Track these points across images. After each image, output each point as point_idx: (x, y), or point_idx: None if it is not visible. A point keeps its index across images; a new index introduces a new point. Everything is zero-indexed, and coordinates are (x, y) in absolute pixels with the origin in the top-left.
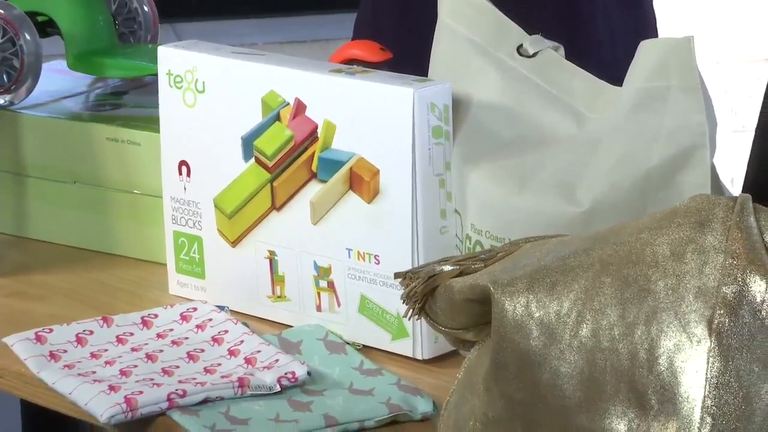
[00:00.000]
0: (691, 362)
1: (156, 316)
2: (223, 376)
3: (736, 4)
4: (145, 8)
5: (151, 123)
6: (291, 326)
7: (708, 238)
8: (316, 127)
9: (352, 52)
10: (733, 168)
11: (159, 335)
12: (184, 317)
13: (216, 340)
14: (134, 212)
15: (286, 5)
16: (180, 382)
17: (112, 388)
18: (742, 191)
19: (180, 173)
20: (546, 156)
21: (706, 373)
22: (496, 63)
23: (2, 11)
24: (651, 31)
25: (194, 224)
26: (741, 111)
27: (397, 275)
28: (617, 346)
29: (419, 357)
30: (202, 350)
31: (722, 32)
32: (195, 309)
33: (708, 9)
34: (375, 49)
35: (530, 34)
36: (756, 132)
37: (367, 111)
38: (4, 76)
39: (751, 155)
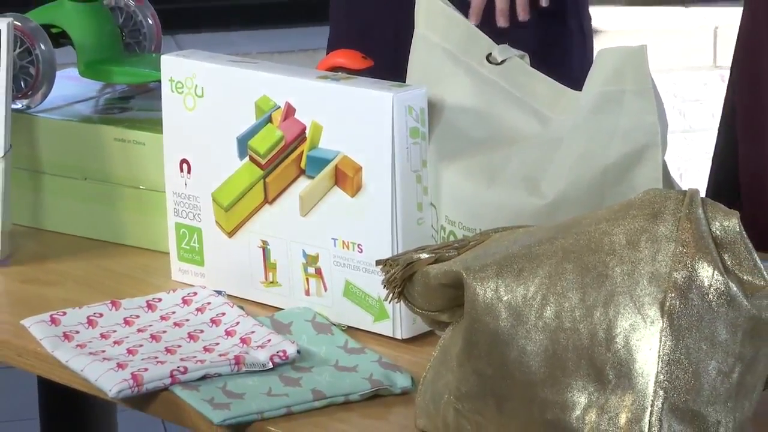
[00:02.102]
0: (646, 341)
1: (160, 300)
2: (220, 355)
3: (684, 17)
4: (149, 21)
5: (155, 125)
6: (282, 309)
7: (660, 228)
8: (305, 128)
9: (337, 60)
10: (682, 164)
11: (163, 317)
12: (185, 301)
13: (214, 321)
14: (139, 206)
15: (276, 18)
16: (182, 360)
17: (120, 365)
18: (707, 187)
19: (181, 170)
20: (513, 154)
21: (659, 351)
22: (467, 69)
23: (19, 24)
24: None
25: (194, 216)
26: (689, 113)
27: (378, 262)
28: (578, 327)
29: (399, 337)
30: (202, 331)
31: (672, 42)
32: (195, 293)
33: (660, 21)
34: (357, 57)
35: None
36: (717, 139)
37: (351, 113)
38: (22, 83)
39: (713, 157)
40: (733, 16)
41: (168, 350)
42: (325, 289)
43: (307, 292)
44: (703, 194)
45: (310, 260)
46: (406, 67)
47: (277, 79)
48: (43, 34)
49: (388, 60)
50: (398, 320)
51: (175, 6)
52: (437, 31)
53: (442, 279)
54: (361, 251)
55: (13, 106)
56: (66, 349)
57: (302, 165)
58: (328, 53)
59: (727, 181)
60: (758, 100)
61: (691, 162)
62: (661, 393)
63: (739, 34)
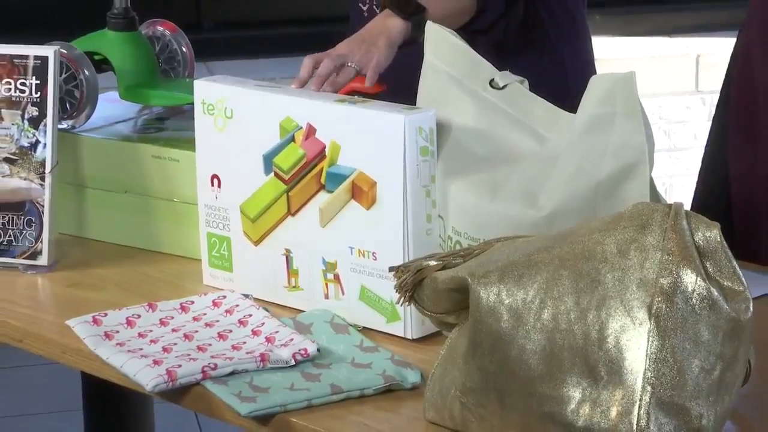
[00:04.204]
0: (634, 341)
1: (192, 302)
2: (247, 352)
3: (669, 47)
4: (183, 49)
5: (189, 143)
6: (303, 311)
7: (648, 239)
8: (324, 147)
9: (354, 85)
10: (667, 180)
11: (195, 318)
12: (215, 303)
13: (242, 322)
14: (174, 217)
15: (299, 47)
16: (212, 357)
17: (156, 362)
18: (692, 201)
19: (212, 185)
20: (513, 170)
21: (647, 350)
22: (471, 94)
23: (66, 52)
24: (592, 66)
25: (224, 227)
26: (673, 134)
27: (391, 269)
28: (573, 328)
29: (409, 337)
30: (231, 331)
31: (658, 69)
32: (225, 297)
33: (647, 50)
34: None
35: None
36: (703, 157)
37: (367, 134)
38: (67, 105)
39: (699, 174)
40: (714, 45)
41: (200, 348)
42: (343, 293)
43: (327, 296)
44: (687, 208)
45: (329, 267)
46: (416, 92)
47: (300, 102)
48: (87, 61)
49: (390, 83)
50: (409, 322)
51: (207, 36)
52: (444, 58)
53: (449, 284)
54: (375, 259)
55: (59, 126)
56: (107, 347)
57: (322, 180)
58: None
59: (712, 195)
60: (752, 115)
61: (676, 178)
62: (649, 388)
63: (736, 55)
